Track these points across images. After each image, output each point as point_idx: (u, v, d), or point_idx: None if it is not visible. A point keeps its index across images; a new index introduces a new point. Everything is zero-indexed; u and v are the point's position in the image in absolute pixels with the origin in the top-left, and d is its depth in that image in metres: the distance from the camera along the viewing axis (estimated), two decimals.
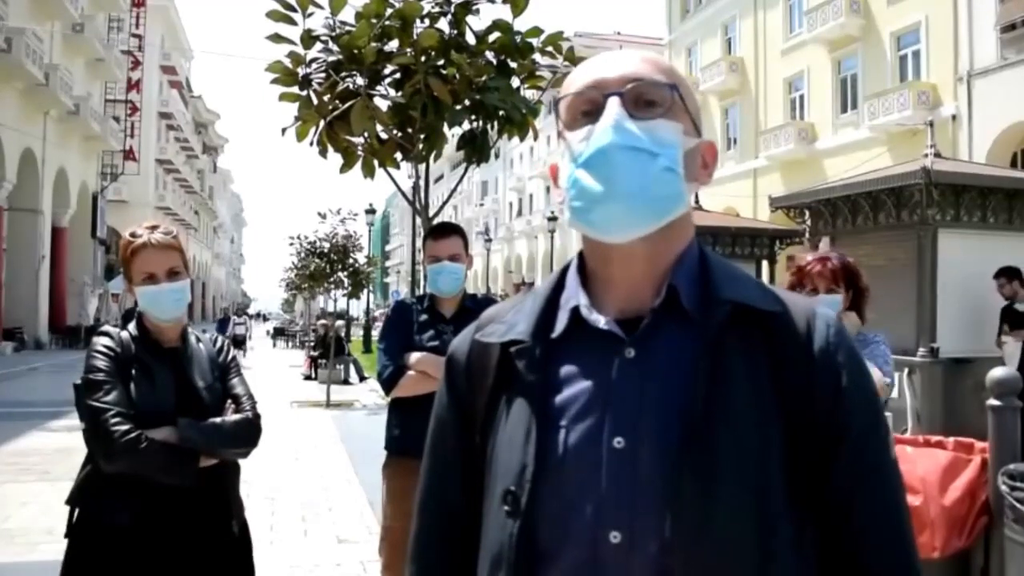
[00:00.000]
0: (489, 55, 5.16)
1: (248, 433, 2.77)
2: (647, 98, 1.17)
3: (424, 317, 3.86)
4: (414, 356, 3.70)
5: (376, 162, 5.28)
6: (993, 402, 3.88)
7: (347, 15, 5.00)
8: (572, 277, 1.26)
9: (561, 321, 1.22)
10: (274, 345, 43.36)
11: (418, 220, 5.80)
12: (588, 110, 1.18)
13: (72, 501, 2.71)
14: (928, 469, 3.79)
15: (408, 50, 4.94)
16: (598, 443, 1.13)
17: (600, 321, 1.19)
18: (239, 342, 29.41)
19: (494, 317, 1.31)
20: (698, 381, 1.11)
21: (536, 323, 1.22)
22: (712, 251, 1.27)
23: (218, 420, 2.71)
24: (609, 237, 1.17)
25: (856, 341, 3.65)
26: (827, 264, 3.60)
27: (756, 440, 1.10)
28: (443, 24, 5.07)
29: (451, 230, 3.96)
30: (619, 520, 1.09)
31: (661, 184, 1.15)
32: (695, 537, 1.06)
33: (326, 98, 5.00)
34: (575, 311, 1.21)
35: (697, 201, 14.47)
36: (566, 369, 1.19)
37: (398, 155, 5.34)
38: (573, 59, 5.25)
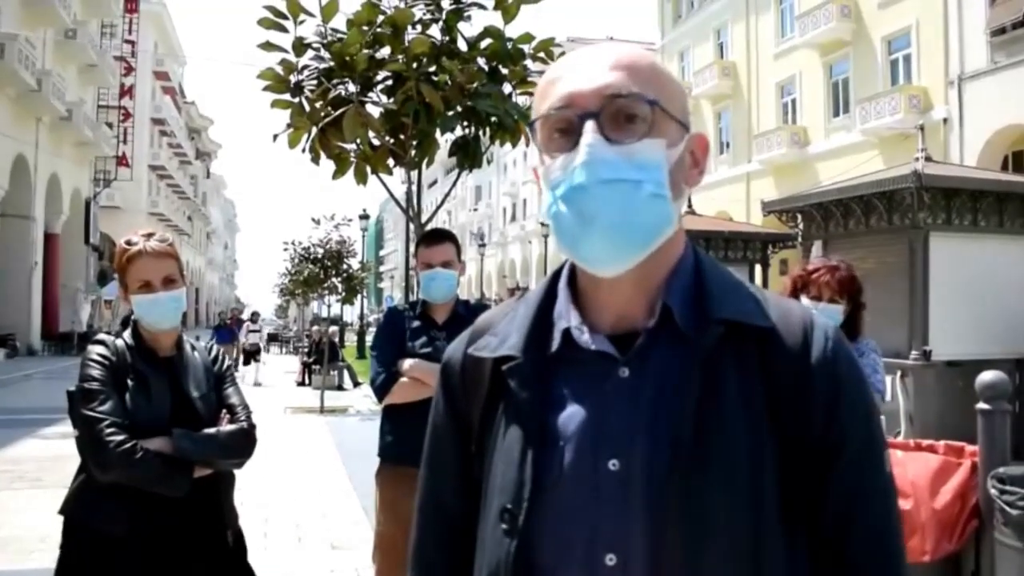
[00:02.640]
0: (481, 61, 5.16)
1: (243, 444, 2.77)
2: (627, 113, 1.12)
3: (416, 324, 3.86)
4: (407, 363, 3.71)
5: (368, 168, 5.28)
6: (982, 406, 3.90)
7: (338, 22, 5.00)
8: (563, 291, 1.23)
9: (554, 340, 1.20)
10: (268, 351, 43.28)
11: (411, 225, 5.80)
12: (564, 128, 1.14)
13: (65, 510, 2.71)
14: (918, 473, 3.81)
15: (400, 57, 4.94)
16: (593, 465, 1.12)
17: (592, 343, 1.17)
18: (253, 353, 25.21)
19: (487, 327, 1.29)
20: (688, 403, 1.09)
21: (527, 338, 1.20)
22: (708, 257, 1.24)
23: (213, 431, 2.70)
24: (598, 271, 1.14)
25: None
26: (835, 274, 3.61)
27: (748, 461, 1.09)
28: (435, 31, 5.07)
29: (443, 237, 3.97)
30: (614, 542, 1.09)
31: (647, 212, 1.11)
32: (687, 560, 1.06)
33: (318, 105, 5.00)
34: (567, 331, 1.19)
35: (690, 205, 14.53)
36: (561, 387, 1.17)
37: (390, 161, 5.34)
38: None
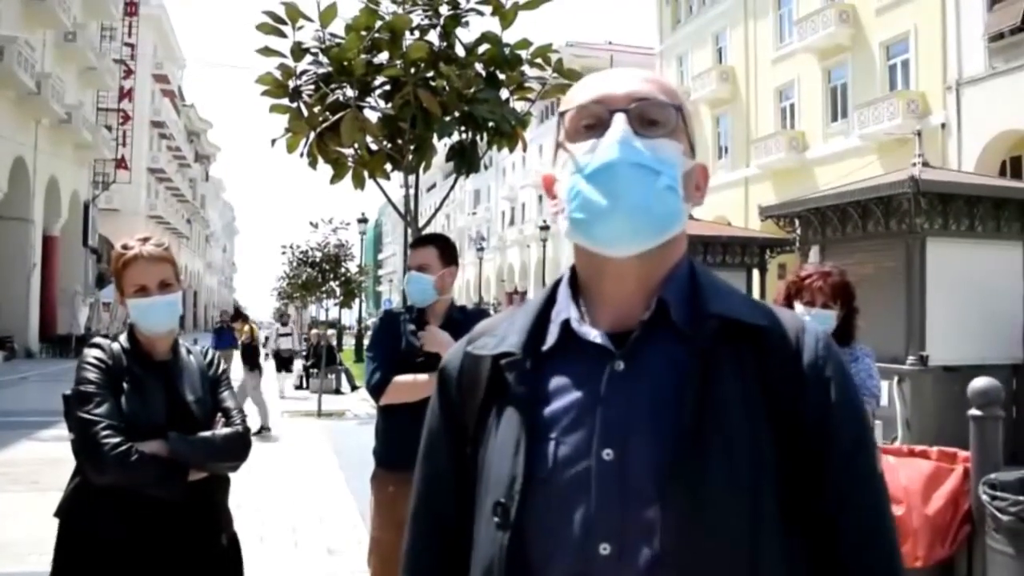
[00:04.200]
0: (478, 67, 5.18)
1: (238, 447, 2.77)
2: (651, 117, 1.19)
3: (412, 328, 3.88)
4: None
5: (366, 173, 5.30)
6: (974, 412, 3.92)
7: (337, 27, 5.02)
8: (564, 291, 1.27)
9: (552, 334, 1.23)
10: (303, 357, 43.08)
11: (410, 230, 5.82)
12: (591, 124, 1.20)
13: (60, 513, 2.72)
14: (911, 478, 3.82)
15: (397, 62, 4.96)
16: (587, 455, 1.14)
17: (590, 334, 1.20)
18: (286, 360, 21.66)
19: (486, 330, 1.32)
20: (687, 394, 1.12)
21: (527, 336, 1.24)
22: (703, 266, 1.29)
23: (208, 434, 2.71)
24: (610, 251, 1.18)
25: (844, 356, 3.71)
26: (828, 280, 3.62)
27: (746, 453, 1.11)
28: (432, 36, 5.09)
29: (425, 241, 4.02)
30: (609, 532, 1.11)
31: (663, 202, 1.17)
32: (685, 549, 1.07)
33: (316, 110, 5.02)
34: (566, 324, 1.22)
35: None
36: (556, 381, 1.20)
37: (388, 166, 5.36)
38: (562, 70, 5.28)
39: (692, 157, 1.25)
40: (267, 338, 22.41)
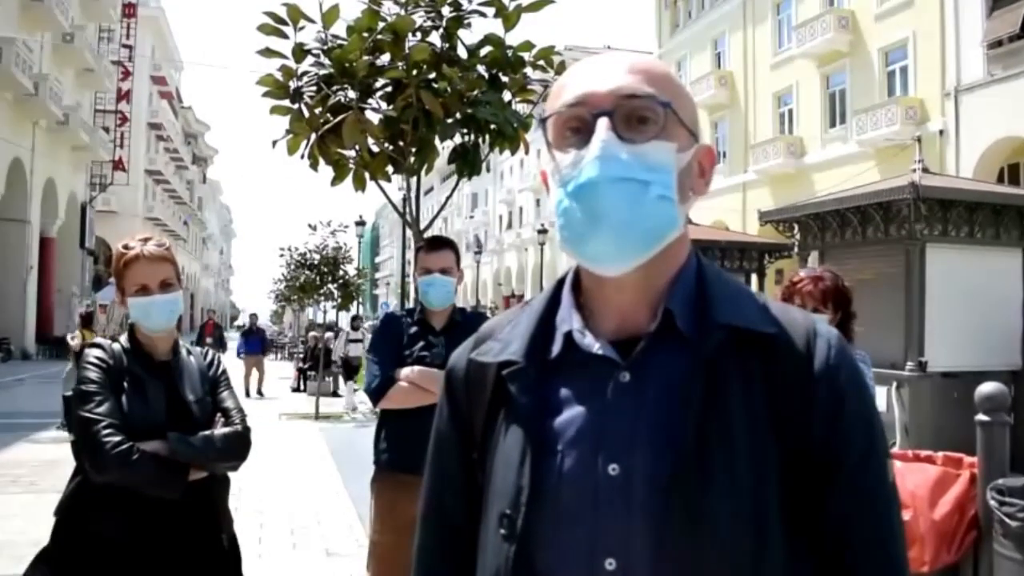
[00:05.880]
0: (481, 69, 5.15)
1: (238, 447, 2.77)
2: (639, 115, 1.12)
3: (414, 330, 3.86)
4: (408, 370, 3.69)
5: (367, 175, 5.27)
6: (982, 417, 3.90)
7: (339, 29, 4.99)
8: (567, 296, 1.23)
9: (556, 344, 1.20)
10: (337, 365, 42.97)
11: (408, 232, 5.80)
12: (576, 127, 1.14)
13: (60, 512, 2.70)
14: (917, 484, 3.81)
15: (400, 64, 4.93)
16: (593, 469, 1.11)
17: (594, 346, 1.17)
18: (354, 369, 18.96)
19: (491, 333, 1.30)
20: (691, 408, 1.09)
21: (530, 343, 1.21)
22: (711, 265, 1.24)
23: (208, 433, 2.71)
24: (602, 269, 1.14)
25: None
26: (818, 284, 3.59)
27: (751, 467, 1.08)
28: (435, 38, 5.06)
29: (444, 244, 4.01)
30: (614, 547, 1.09)
31: (654, 213, 1.11)
32: (689, 565, 1.05)
33: (317, 111, 4.99)
34: (569, 335, 1.19)
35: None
36: (561, 392, 1.17)
37: (389, 168, 5.33)
38: (564, 73, 5.25)
39: (696, 141, 1.18)
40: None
